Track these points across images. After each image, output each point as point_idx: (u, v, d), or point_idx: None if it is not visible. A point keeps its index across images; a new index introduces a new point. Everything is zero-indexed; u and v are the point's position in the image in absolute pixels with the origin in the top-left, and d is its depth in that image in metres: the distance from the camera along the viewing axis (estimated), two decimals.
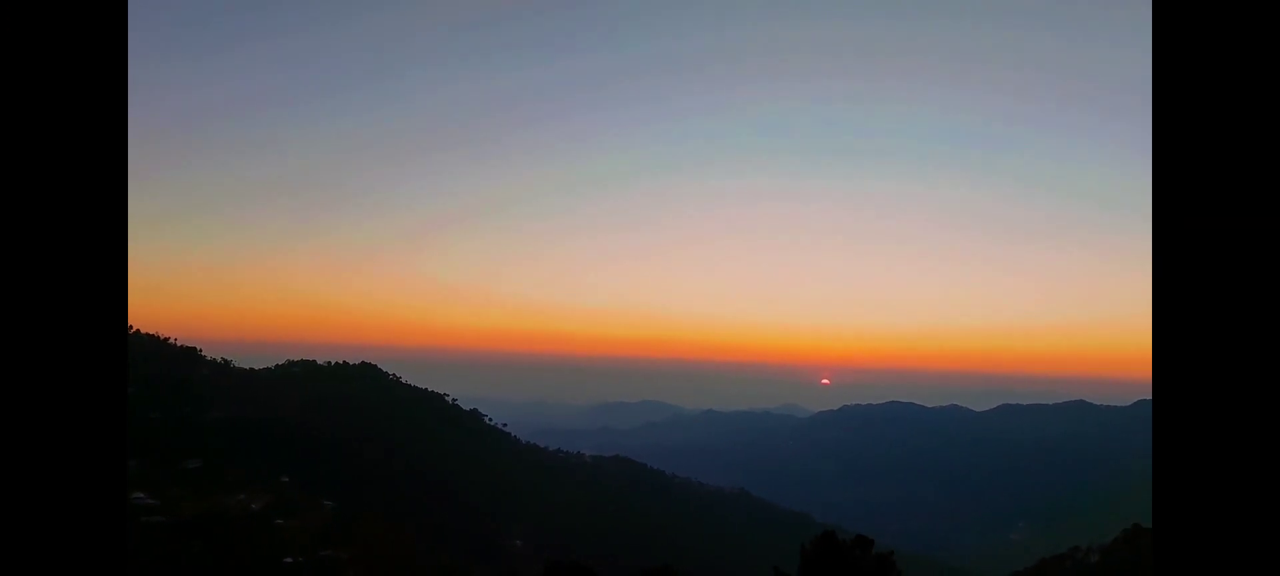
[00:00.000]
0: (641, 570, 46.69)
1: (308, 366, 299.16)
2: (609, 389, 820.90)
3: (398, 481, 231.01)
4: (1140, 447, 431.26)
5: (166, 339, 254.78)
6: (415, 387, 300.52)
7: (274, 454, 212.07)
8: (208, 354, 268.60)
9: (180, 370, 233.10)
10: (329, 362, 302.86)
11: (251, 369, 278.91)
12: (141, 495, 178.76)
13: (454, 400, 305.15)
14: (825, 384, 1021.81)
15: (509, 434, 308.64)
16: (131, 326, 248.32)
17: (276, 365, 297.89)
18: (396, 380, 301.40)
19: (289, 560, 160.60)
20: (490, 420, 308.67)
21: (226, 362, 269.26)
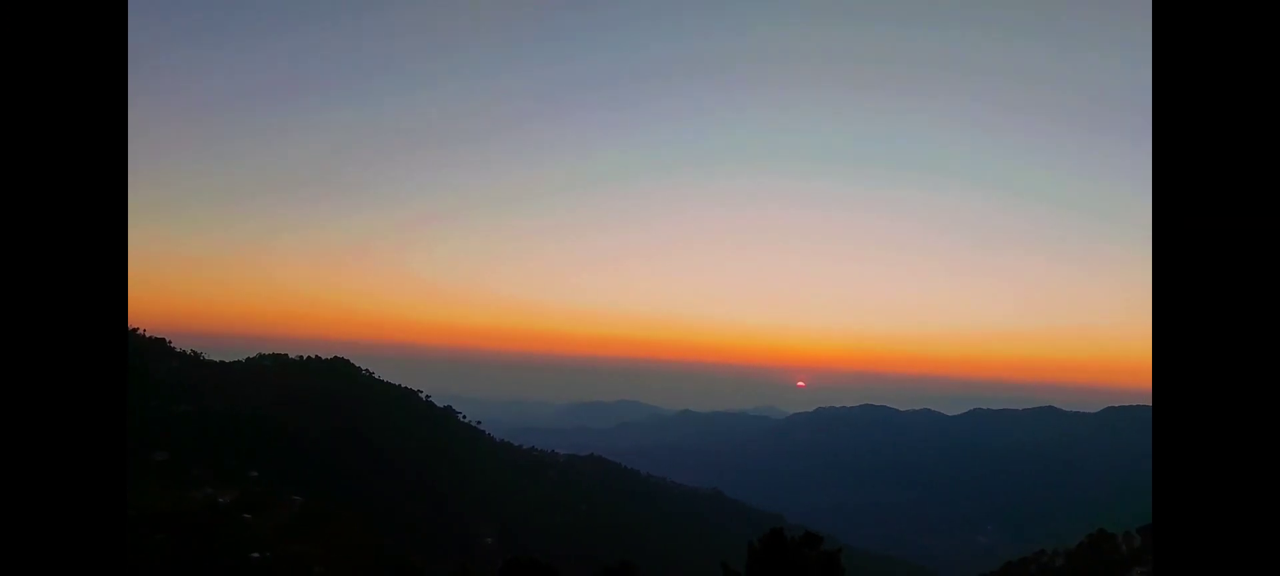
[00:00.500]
0: (604, 568, 46.79)
1: (279, 360, 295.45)
2: (586, 388, 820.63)
3: (368, 477, 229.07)
4: (1106, 454, 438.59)
5: (135, 329, 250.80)
6: (388, 383, 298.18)
7: (243, 448, 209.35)
8: (177, 346, 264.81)
9: (148, 361, 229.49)
10: (300, 357, 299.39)
11: (222, 361, 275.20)
12: None
13: (428, 397, 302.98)
14: (801, 386, 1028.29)
15: (483, 432, 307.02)
16: None
17: (247, 358, 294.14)
18: (369, 376, 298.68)
19: (256, 555, 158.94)
20: (464, 418, 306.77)
21: (196, 355, 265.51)
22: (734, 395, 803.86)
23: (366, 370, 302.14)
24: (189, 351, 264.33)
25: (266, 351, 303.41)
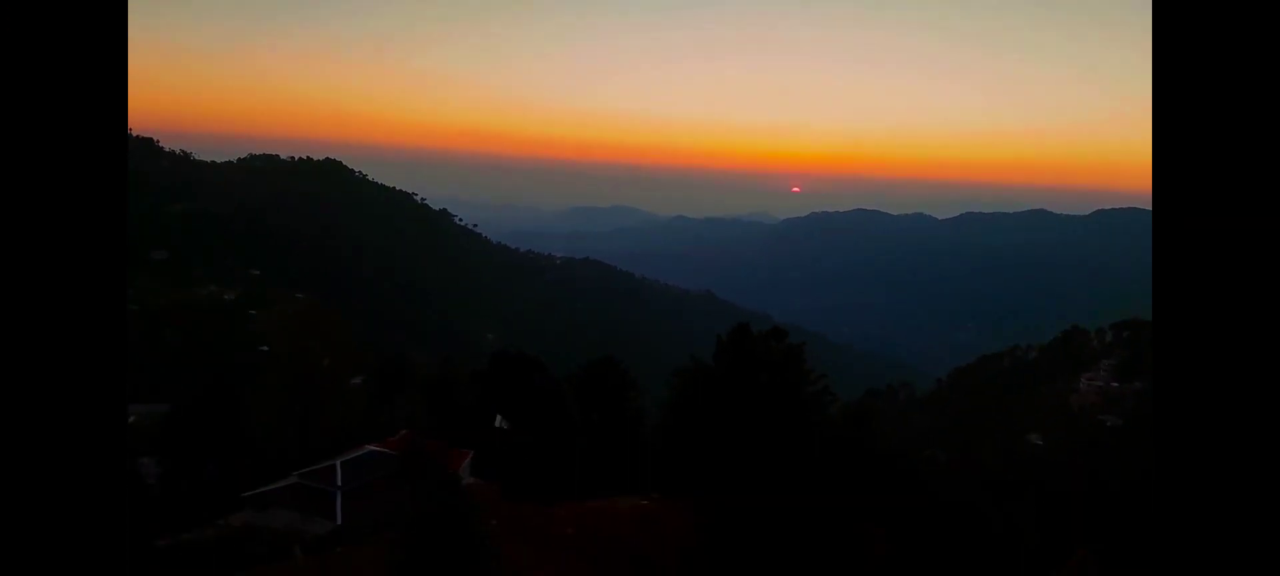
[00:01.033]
0: (589, 361, 48.85)
1: (271, 161, 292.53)
2: (581, 193, 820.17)
3: (367, 278, 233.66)
4: (1093, 255, 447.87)
5: None
6: (383, 186, 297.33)
7: (241, 247, 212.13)
8: (166, 145, 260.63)
9: (138, 161, 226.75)
10: (292, 158, 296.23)
11: (213, 162, 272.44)
12: None
13: (423, 199, 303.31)
14: (796, 191, 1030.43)
15: (479, 234, 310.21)
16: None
17: (238, 159, 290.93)
18: (363, 177, 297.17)
19: (265, 349, 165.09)
20: (460, 220, 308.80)
21: (186, 155, 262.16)
22: (728, 200, 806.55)
23: (361, 172, 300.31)
24: (179, 150, 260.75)
25: (256, 152, 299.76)
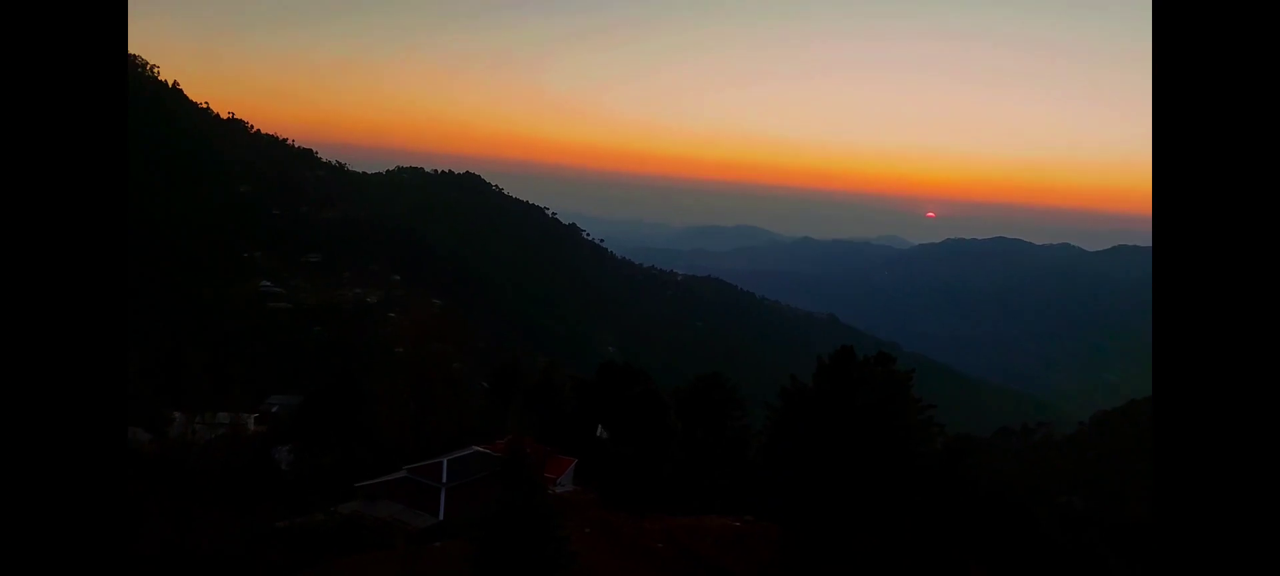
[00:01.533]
0: (696, 375, 48.97)
1: (415, 173, 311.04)
2: (705, 212, 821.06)
3: (500, 287, 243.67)
4: None
5: (284, 140, 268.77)
6: (517, 200, 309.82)
7: (386, 254, 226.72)
8: (323, 156, 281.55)
9: (297, 171, 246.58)
10: (435, 171, 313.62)
11: (363, 172, 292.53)
12: (268, 283, 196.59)
13: (554, 214, 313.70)
14: (930, 216, 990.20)
15: (606, 249, 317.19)
16: (251, 126, 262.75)
17: (387, 171, 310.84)
18: (499, 191, 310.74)
19: (400, 350, 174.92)
20: (588, 235, 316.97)
21: (340, 166, 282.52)
22: (857, 223, 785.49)
23: (497, 186, 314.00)
24: (334, 162, 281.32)
25: (404, 165, 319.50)
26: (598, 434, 43.15)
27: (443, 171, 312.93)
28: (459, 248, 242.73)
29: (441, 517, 31.07)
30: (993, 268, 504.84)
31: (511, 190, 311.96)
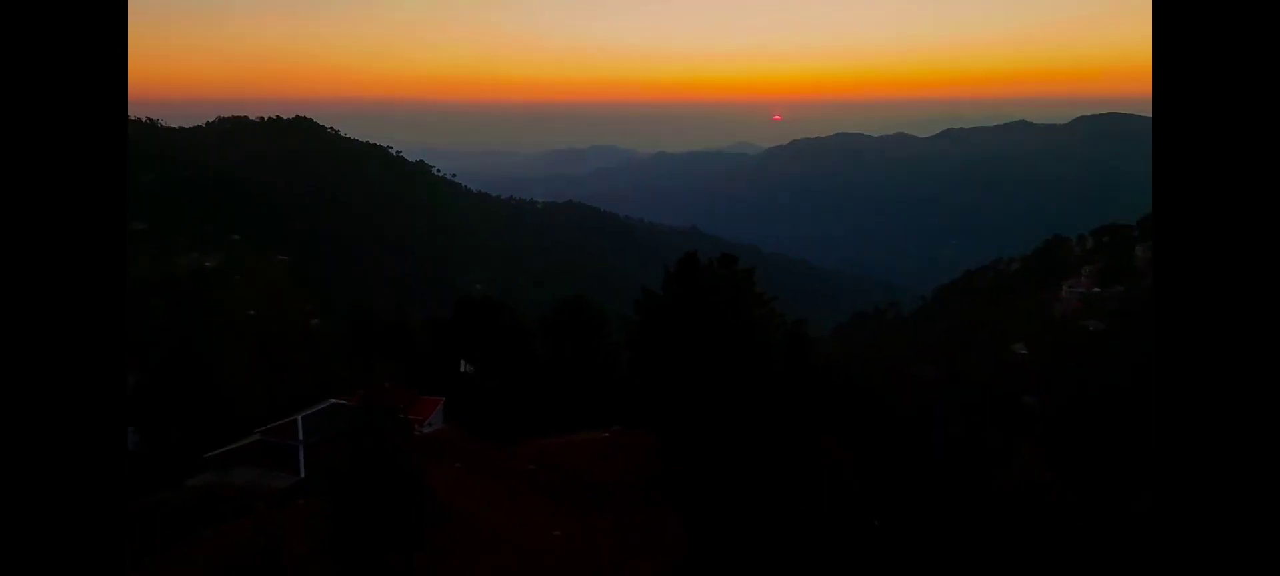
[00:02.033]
0: (559, 300, 49.16)
1: (239, 122, 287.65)
2: (559, 135, 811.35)
3: (349, 235, 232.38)
4: (1074, 163, 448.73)
5: None
6: (356, 140, 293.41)
7: (219, 213, 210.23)
8: (131, 113, 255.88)
9: None
10: (261, 118, 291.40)
11: (179, 127, 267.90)
12: None
13: (398, 152, 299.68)
14: (777, 120, 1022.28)
15: (459, 184, 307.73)
16: None
17: (206, 122, 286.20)
18: (335, 133, 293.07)
19: (252, 313, 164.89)
20: (438, 171, 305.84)
21: (153, 122, 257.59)
22: (710, 133, 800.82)
23: (332, 128, 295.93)
24: (144, 118, 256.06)
25: (224, 115, 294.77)
26: (461, 370, 42.75)
27: (270, 118, 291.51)
28: (299, 198, 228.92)
29: (303, 475, 30.11)
30: (837, 162, 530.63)
31: (349, 132, 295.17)
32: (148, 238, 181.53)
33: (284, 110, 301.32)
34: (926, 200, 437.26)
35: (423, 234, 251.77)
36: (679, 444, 30.23)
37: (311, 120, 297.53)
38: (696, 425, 29.94)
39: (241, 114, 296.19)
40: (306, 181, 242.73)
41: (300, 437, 31.17)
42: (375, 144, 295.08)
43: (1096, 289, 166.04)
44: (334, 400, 34.48)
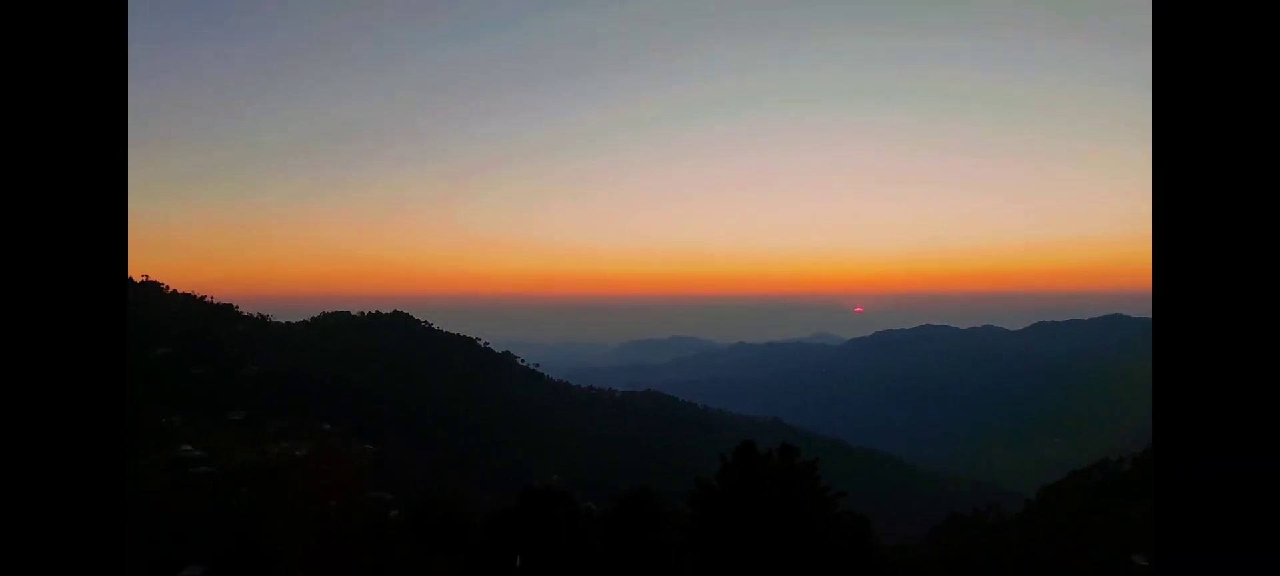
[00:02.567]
0: (622, 493, 48.37)
1: (341, 317, 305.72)
2: (638, 327, 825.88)
3: (435, 424, 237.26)
4: None
5: (203, 297, 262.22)
6: (447, 333, 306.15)
7: (313, 403, 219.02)
8: (244, 310, 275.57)
9: (218, 326, 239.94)
10: (361, 313, 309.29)
11: (287, 322, 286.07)
12: (189, 447, 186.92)
13: (486, 344, 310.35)
14: (859, 311, 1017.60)
15: (541, 374, 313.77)
16: (166, 286, 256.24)
17: (311, 318, 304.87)
18: (428, 327, 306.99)
19: (334, 503, 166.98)
20: (523, 361, 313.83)
21: (263, 318, 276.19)
22: (789, 324, 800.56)
23: (425, 321, 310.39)
24: (256, 315, 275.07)
25: (330, 310, 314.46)
26: (516, 565, 42.00)
27: (370, 313, 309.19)
28: (390, 388, 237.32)
29: None
30: (922, 356, 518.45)
31: (441, 324, 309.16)
32: (243, 427, 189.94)
33: (384, 306, 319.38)
34: (1021, 395, 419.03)
35: (500, 422, 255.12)
36: None
37: (408, 315, 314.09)
38: None
39: (345, 309, 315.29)
40: (397, 373, 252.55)
41: None
42: (465, 336, 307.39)
43: None
44: None
